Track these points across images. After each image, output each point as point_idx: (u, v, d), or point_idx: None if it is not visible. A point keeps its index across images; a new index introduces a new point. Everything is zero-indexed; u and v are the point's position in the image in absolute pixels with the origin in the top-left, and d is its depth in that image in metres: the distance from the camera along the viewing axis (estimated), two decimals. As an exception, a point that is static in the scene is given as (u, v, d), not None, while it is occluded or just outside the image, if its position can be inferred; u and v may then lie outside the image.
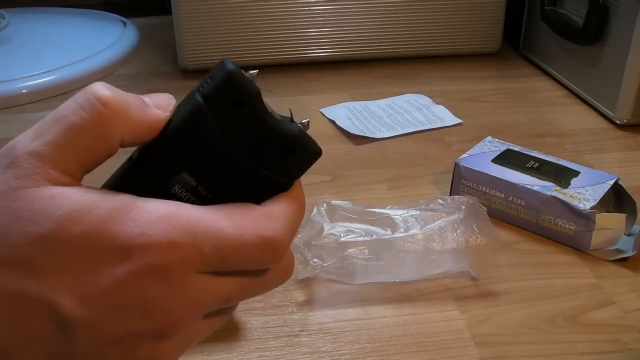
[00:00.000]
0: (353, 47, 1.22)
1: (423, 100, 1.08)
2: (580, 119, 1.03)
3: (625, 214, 0.70)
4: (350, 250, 0.65)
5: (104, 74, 1.19)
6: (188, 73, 1.19)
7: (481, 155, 0.78)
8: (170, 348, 0.33)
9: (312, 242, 0.65)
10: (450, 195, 0.78)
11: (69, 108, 0.32)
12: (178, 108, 0.35)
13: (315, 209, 0.68)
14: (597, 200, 0.69)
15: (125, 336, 0.31)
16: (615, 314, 0.62)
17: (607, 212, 0.72)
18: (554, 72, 1.17)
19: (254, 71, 0.35)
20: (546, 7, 1.13)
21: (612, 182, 0.73)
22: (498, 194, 0.74)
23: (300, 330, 0.61)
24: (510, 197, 0.73)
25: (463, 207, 0.67)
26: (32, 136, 0.32)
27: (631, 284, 0.66)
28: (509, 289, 0.66)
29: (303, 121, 0.36)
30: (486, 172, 0.75)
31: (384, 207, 0.70)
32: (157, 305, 0.31)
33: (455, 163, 0.77)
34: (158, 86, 1.14)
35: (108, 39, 1.29)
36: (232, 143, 0.34)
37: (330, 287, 0.66)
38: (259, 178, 0.35)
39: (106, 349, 0.31)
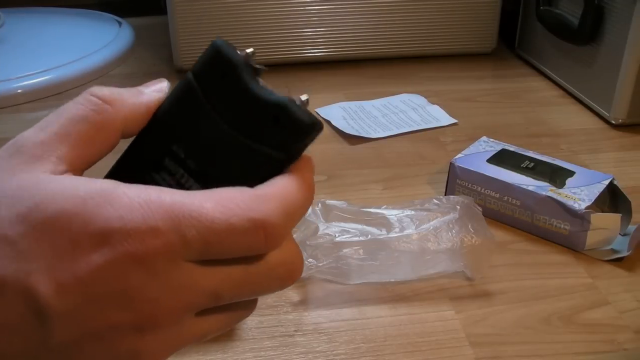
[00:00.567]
0: (348, 47, 1.22)
1: (418, 100, 1.08)
2: (575, 119, 1.03)
3: (620, 214, 0.70)
4: (345, 250, 0.64)
5: (99, 74, 1.19)
6: (183, 73, 1.17)
7: (476, 155, 0.78)
8: (154, 344, 0.31)
9: (307, 242, 0.65)
10: (445, 195, 0.78)
11: (69, 105, 0.34)
12: (172, 90, 0.36)
13: (310, 209, 0.68)
14: (592, 200, 0.70)
15: (104, 329, 0.30)
16: (610, 314, 0.62)
17: (602, 212, 0.72)
18: (549, 72, 1.17)
19: (249, 50, 0.34)
20: (541, 7, 1.13)
21: (607, 182, 0.73)
22: (493, 194, 0.74)
23: (295, 330, 0.61)
24: (506, 197, 0.73)
25: (458, 207, 0.67)
26: (36, 129, 0.33)
27: (626, 284, 0.66)
28: (504, 289, 0.66)
29: (302, 97, 0.34)
30: (481, 172, 0.75)
31: (379, 207, 0.69)
32: (138, 295, 0.30)
33: (451, 163, 0.77)
34: (153, 86, 1.14)
35: (103, 38, 1.28)
36: (218, 114, 0.34)
37: (325, 287, 0.66)
38: (248, 151, 0.34)
39: (85, 341, 0.30)
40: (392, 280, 0.66)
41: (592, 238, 0.69)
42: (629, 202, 0.72)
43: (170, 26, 1.15)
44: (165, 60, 1.25)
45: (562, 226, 0.70)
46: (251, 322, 0.61)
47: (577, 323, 0.61)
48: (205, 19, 1.14)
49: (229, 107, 0.34)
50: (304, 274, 0.65)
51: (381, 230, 0.66)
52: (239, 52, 0.34)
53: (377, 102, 1.07)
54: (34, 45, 1.25)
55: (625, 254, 0.68)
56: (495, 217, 0.75)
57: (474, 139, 0.83)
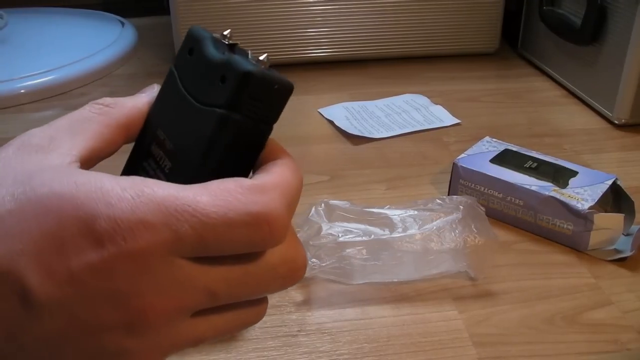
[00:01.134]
0: (351, 47, 1.22)
1: (421, 100, 1.08)
2: (578, 119, 1.03)
3: (624, 214, 0.70)
4: (348, 250, 0.64)
5: (102, 74, 1.19)
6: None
7: (479, 155, 0.78)
8: (144, 345, 0.30)
9: (310, 242, 0.65)
10: (448, 195, 0.78)
11: (74, 111, 0.36)
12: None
13: (313, 209, 0.68)
14: (596, 200, 0.69)
15: (93, 325, 0.29)
16: (613, 314, 0.62)
17: (606, 212, 0.72)
18: (552, 72, 1.17)
19: (262, 56, 0.33)
20: (544, 7, 1.13)
21: (610, 182, 0.73)
22: (496, 194, 0.74)
23: (298, 330, 0.61)
24: (509, 197, 0.73)
25: (461, 207, 0.67)
26: (44, 127, 0.35)
27: (629, 284, 0.66)
28: (507, 289, 0.66)
29: (260, 57, 0.33)
30: (484, 172, 0.75)
31: (382, 207, 0.69)
32: (129, 293, 0.29)
33: (454, 163, 0.77)
34: (156, 86, 1.14)
35: (106, 39, 1.29)
36: (186, 89, 0.35)
37: (329, 287, 0.66)
38: (205, 117, 0.33)
39: (72, 335, 0.29)
40: (395, 280, 0.66)
41: (595, 238, 0.69)
42: (632, 202, 0.72)
43: (173, 26, 1.16)
44: (168, 60, 1.25)
45: (565, 226, 0.70)
46: (254, 322, 0.61)
47: (581, 323, 0.61)
48: (208, 19, 1.14)
49: (194, 80, 0.35)
50: (307, 274, 0.65)
51: (384, 230, 0.66)
52: (213, 34, 0.35)
53: (380, 102, 1.07)
54: (37, 46, 1.25)
55: (628, 254, 0.68)
56: (498, 217, 0.75)
57: (477, 139, 0.83)
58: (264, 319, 0.61)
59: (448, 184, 0.79)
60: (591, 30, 1.01)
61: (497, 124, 1.00)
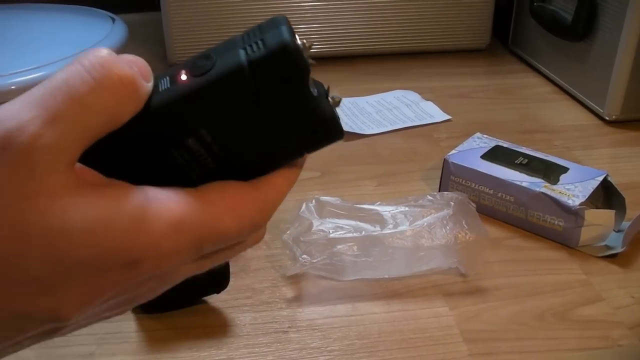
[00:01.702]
0: (342, 44, 1.22)
1: (412, 96, 1.08)
2: (569, 115, 1.03)
3: (614, 210, 0.70)
4: (339, 247, 0.64)
5: (93, 70, 1.18)
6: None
7: (470, 152, 0.78)
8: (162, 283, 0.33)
9: (301, 239, 0.65)
10: (439, 191, 0.78)
11: (85, 83, 0.28)
12: (217, 54, 0.32)
13: (304, 205, 0.68)
14: (586, 197, 0.70)
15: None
16: (604, 310, 0.62)
17: (596, 208, 0.72)
18: (543, 68, 1.17)
19: (337, 97, 0.34)
20: (535, 4, 1.13)
21: (601, 178, 0.73)
22: (487, 190, 0.74)
23: (289, 327, 0.61)
24: (500, 194, 0.73)
25: (452, 203, 0.67)
26: (41, 121, 0.27)
27: (620, 280, 0.66)
28: (498, 285, 0.66)
29: (335, 97, 0.34)
30: (475, 168, 0.75)
31: (373, 204, 0.69)
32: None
33: (444, 159, 0.77)
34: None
35: (97, 35, 1.28)
36: (262, 112, 0.32)
37: (319, 283, 0.66)
38: (276, 149, 0.34)
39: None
40: (386, 276, 0.66)
41: (586, 234, 0.69)
42: (623, 199, 0.72)
43: (164, 23, 1.15)
44: (159, 56, 1.25)
45: (556, 222, 0.70)
46: (245, 318, 0.61)
47: (571, 319, 0.61)
48: (199, 16, 1.14)
49: (275, 108, 0.32)
50: (298, 270, 0.65)
51: (375, 227, 0.66)
52: (302, 49, 0.32)
53: (371, 99, 1.07)
54: (27, 42, 1.25)
55: (619, 250, 0.68)
56: (489, 213, 0.75)
57: (467, 135, 0.83)
58: (254, 315, 0.61)
59: (439, 180, 0.79)
60: (582, 27, 1.01)
61: (488, 120, 1.00)
